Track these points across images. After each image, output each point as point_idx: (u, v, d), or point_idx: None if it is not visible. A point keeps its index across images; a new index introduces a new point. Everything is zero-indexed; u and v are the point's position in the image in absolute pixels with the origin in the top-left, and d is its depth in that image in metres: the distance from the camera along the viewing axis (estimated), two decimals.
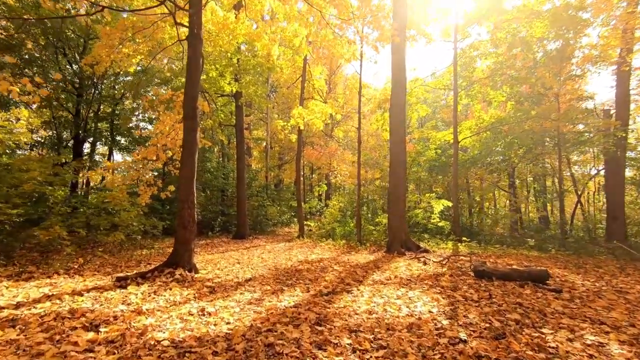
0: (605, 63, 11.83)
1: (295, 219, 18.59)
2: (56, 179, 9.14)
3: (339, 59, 18.49)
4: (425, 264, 6.75)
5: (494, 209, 19.00)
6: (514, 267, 6.12)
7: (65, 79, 12.83)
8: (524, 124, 12.22)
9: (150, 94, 9.97)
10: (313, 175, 27.84)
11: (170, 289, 4.54)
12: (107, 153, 17.44)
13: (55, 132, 14.26)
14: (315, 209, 20.07)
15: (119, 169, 9.24)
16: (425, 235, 12.01)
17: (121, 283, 4.82)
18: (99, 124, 14.40)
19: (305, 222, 14.23)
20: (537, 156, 14.56)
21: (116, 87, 14.42)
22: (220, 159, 20.46)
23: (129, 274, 5.31)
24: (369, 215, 14.64)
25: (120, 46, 9.02)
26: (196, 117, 6.03)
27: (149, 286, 4.70)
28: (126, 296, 4.19)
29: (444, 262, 6.72)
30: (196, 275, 5.56)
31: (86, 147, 15.06)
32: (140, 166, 9.22)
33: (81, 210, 9.89)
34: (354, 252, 9.24)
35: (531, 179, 19.87)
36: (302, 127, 11.85)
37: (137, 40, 9.37)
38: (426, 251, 8.39)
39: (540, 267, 5.82)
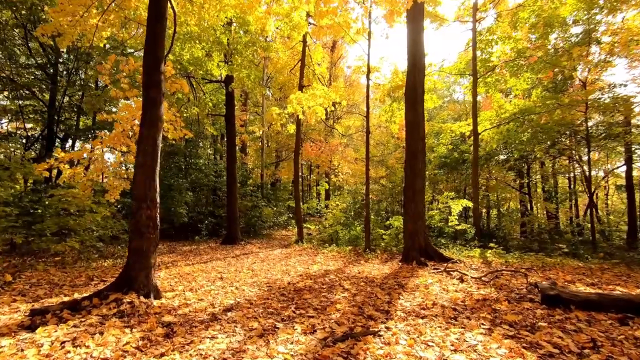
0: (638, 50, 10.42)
1: (293, 221, 17.04)
2: (5, 173, 7.60)
3: (343, 37, 16.94)
4: (462, 281, 5.21)
5: (503, 211, 17.50)
6: (599, 291, 4.62)
7: (37, 64, 11.29)
8: (553, 114, 10.76)
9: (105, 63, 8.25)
10: (311, 176, 26.24)
11: (102, 333, 2.96)
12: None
13: (23, 123, 12.70)
14: (314, 209, 18.48)
15: (76, 162, 7.59)
16: (442, 240, 10.47)
17: (34, 320, 3.24)
18: (80, 119, 12.84)
19: (304, 225, 12.68)
20: (562, 150, 13.12)
21: (99, 79, 12.87)
22: (213, 156, 18.85)
23: (53, 303, 3.72)
24: (372, 216, 13.08)
25: (86, 14, 7.42)
26: (160, 86, 4.47)
27: (73, 326, 3.12)
28: (23, 350, 2.61)
29: (486, 279, 5.19)
30: (155, 303, 3.99)
31: (69, 144, 13.51)
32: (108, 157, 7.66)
33: (39, 211, 8.33)
34: (362, 261, 7.72)
35: (539, 177, 18.45)
36: (301, 116, 10.30)
37: (104, 5, 7.77)
38: (455, 262, 6.85)
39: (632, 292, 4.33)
